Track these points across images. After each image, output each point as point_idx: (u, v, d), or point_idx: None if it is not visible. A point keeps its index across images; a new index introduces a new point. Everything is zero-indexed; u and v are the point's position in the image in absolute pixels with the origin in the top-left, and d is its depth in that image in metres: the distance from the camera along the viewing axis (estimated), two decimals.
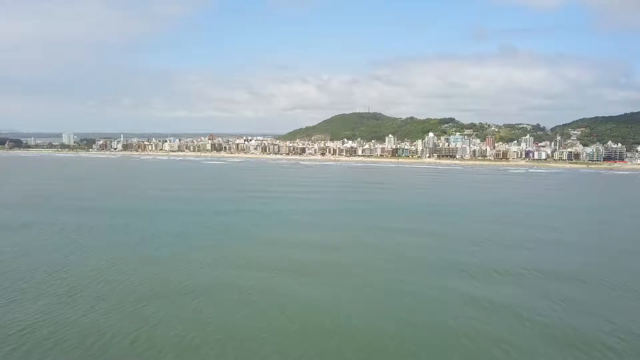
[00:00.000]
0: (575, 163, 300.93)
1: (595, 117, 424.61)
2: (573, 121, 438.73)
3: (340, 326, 41.19)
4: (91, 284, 50.18)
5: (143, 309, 43.52)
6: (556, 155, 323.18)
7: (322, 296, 48.31)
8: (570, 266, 60.64)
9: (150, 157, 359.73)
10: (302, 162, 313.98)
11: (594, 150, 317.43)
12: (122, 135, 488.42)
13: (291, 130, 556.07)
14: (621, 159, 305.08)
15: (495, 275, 56.62)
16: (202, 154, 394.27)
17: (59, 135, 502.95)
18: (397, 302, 47.05)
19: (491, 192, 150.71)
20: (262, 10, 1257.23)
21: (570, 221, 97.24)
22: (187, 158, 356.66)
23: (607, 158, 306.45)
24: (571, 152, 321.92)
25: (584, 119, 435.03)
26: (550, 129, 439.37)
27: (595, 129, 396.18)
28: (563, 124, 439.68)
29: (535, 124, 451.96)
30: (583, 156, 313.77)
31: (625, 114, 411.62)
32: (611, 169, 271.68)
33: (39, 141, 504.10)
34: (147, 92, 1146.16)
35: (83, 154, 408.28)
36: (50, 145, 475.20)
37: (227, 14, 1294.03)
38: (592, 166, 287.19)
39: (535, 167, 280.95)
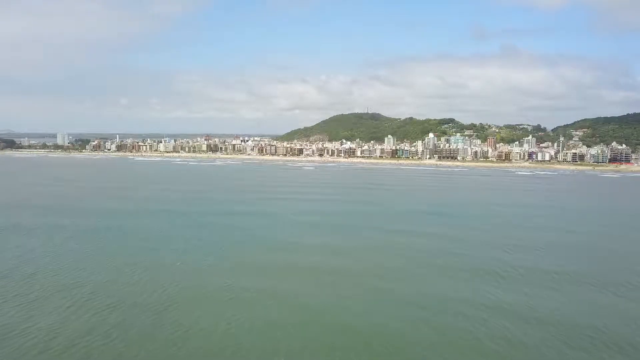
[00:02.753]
0: (581, 165, 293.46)
1: (597, 118, 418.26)
2: (574, 122, 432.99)
3: (353, 339, 38.11)
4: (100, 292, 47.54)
5: (155, 314, 42.06)
6: (560, 157, 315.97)
7: (333, 304, 45.34)
8: (602, 273, 56.96)
9: (142, 159, 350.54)
10: (299, 164, 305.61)
11: (599, 151, 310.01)
12: (117, 136, 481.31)
13: (290, 131, 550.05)
14: (627, 160, 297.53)
15: (520, 280, 53.42)
16: (198, 155, 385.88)
17: (55, 136, 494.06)
18: (415, 313, 43.58)
19: (505, 195, 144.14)
20: (262, 10, 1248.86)
21: (600, 226, 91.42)
22: (176, 160, 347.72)
23: (613, 160, 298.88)
24: (575, 153, 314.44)
25: (585, 119, 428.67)
26: (552, 130, 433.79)
27: (598, 129, 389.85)
28: (564, 125, 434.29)
29: (535, 124, 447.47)
30: (587, 157, 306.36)
31: (628, 115, 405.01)
32: (618, 171, 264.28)
33: (33, 141, 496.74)
34: (146, 92, 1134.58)
35: (75, 154, 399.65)
36: (44, 146, 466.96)
37: (227, 14, 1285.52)
38: (598, 168, 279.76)
39: (539, 169, 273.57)
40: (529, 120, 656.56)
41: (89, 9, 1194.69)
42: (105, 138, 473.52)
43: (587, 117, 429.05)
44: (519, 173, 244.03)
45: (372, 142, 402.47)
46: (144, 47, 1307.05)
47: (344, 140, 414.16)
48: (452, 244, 70.93)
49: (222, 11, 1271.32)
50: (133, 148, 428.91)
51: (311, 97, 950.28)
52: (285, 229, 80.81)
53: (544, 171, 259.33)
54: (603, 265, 60.44)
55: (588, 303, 46.78)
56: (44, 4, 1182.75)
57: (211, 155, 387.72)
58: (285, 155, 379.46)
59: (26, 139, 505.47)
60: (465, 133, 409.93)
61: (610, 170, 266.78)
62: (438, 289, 50.19)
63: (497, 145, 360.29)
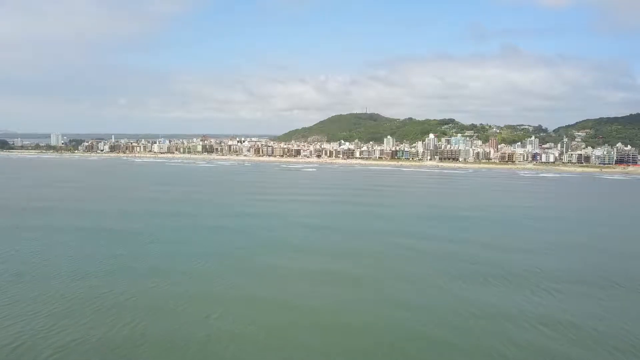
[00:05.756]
0: (587, 166, 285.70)
1: (600, 118, 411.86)
2: (576, 122, 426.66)
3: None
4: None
5: (168, 314, 40.18)
6: (565, 158, 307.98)
7: (351, 318, 40.89)
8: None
9: (137, 160, 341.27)
10: (297, 165, 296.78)
11: (605, 152, 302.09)
12: (113, 136, 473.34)
13: (288, 131, 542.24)
14: (634, 162, 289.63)
15: (549, 286, 49.65)
16: (192, 156, 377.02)
17: (49, 136, 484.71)
18: (441, 333, 38.35)
19: (520, 198, 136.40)
20: (261, 10, 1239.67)
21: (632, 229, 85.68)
22: (171, 161, 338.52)
23: (619, 161, 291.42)
24: (581, 154, 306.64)
25: (587, 119, 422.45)
26: (553, 130, 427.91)
27: (600, 130, 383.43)
28: (566, 125, 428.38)
29: (536, 125, 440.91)
30: (593, 159, 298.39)
31: (631, 115, 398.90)
32: (627, 173, 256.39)
33: (26, 142, 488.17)
34: (144, 92, 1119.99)
35: (67, 155, 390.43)
36: (37, 147, 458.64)
37: (226, 14, 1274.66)
38: (605, 170, 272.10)
39: (544, 171, 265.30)
40: (528, 120, 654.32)
41: (87, 8, 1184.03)
42: (102, 139, 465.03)
43: (589, 118, 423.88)
44: (526, 175, 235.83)
45: (370, 142, 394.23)
46: (142, 47, 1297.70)
47: (342, 141, 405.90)
48: (473, 248, 65.17)
49: (220, 11, 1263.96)
50: (127, 149, 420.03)
51: (310, 97, 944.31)
52: (295, 237, 73.04)
53: (549, 173, 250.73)
54: None
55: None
56: (42, 3, 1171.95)
57: (206, 156, 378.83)
58: (283, 156, 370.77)
59: (19, 139, 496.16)
60: (466, 134, 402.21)
61: (618, 172, 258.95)
62: (464, 301, 44.56)
63: (499, 146, 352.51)
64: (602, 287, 49.66)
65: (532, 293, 47.31)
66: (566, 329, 38.47)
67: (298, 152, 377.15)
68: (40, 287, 46.73)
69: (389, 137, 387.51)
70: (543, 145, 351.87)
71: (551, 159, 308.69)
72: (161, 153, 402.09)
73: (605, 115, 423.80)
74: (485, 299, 45.53)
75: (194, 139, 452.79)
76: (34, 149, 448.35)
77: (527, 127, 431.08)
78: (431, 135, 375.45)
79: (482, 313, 41.70)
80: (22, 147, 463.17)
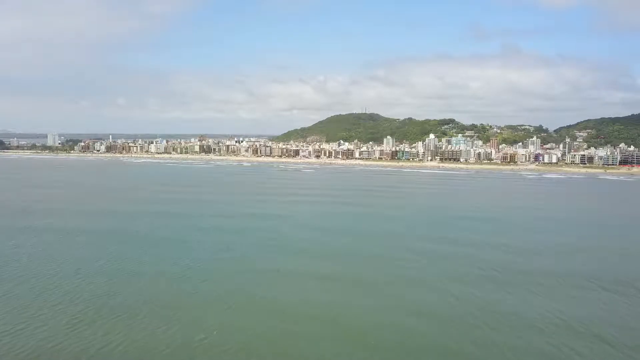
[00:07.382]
0: (590, 167, 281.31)
1: (602, 118, 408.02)
2: (578, 122, 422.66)
3: None
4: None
5: (169, 321, 38.62)
6: (568, 159, 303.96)
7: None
8: None
9: (134, 160, 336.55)
10: (295, 166, 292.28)
11: (608, 153, 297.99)
12: (110, 136, 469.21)
13: (287, 131, 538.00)
14: (638, 162, 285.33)
15: (569, 292, 47.95)
16: (189, 157, 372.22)
17: (47, 136, 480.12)
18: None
19: (531, 200, 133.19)
20: (261, 9, 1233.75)
21: None
22: (168, 162, 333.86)
23: (623, 162, 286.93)
24: (584, 155, 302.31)
25: (589, 120, 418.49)
26: (554, 131, 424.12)
27: (602, 130, 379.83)
28: (567, 126, 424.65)
29: (536, 125, 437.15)
30: (596, 159, 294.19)
31: (632, 115, 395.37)
32: (632, 174, 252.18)
33: (22, 142, 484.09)
34: (143, 92, 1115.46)
35: (62, 156, 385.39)
36: (33, 147, 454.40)
37: (225, 13, 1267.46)
38: (609, 170, 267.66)
39: (547, 172, 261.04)
40: (528, 120, 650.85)
41: (87, 8, 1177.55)
42: (100, 139, 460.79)
43: (590, 118, 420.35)
44: (530, 176, 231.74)
45: (370, 143, 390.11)
46: (142, 47, 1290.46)
47: (342, 141, 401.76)
48: (486, 252, 62.78)
49: (220, 11, 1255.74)
50: (123, 149, 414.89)
51: (309, 97, 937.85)
52: (298, 240, 70.45)
53: (554, 174, 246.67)
54: None
55: None
56: (42, 3, 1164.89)
57: (204, 156, 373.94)
58: (281, 156, 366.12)
59: (15, 139, 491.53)
60: (466, 134, 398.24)
61: (623, 174, 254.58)
62: (481, 308, 42.06)
63: (500, 147, 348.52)
64: (623, 294, 47.52)
65: (552, 300, 44.74)
66: (593, 343, 35.86)
67: (297, 153, 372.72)
68: (39, 294, 44.80)
69: (388, 137, 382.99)
70: (545, 146, 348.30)
71: (554, 160, 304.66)
72: (158, 153, 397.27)
73: (605, 115, 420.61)
74: (504, 306, 42.96)
75: (192, 139, 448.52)
76: (30, 149, 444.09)
77: (527, 127, 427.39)
78: (431, 136, 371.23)
79: (501, 323, 39.07)
80: (18, 147, 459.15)
